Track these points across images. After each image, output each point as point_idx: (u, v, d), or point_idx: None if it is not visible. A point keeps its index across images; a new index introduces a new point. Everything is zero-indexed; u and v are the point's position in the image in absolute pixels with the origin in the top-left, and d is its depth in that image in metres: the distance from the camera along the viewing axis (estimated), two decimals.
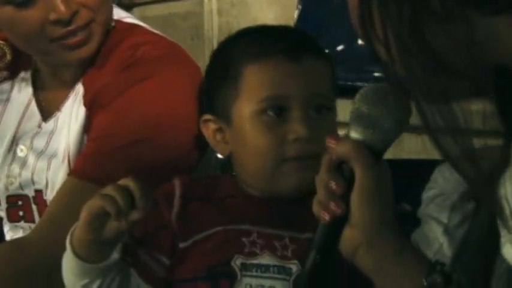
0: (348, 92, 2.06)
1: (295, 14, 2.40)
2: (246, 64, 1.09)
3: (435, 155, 0.80)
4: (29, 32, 1.15)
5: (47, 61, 1.23)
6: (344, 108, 1.94)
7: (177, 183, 1.09)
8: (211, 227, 1.06)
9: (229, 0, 3.19)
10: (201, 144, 1.16)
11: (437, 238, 1.05)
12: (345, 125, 2.02)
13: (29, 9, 1.14)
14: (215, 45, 3.86)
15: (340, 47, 2.24)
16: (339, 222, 0.81)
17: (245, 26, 3.65)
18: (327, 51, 2.45)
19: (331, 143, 0.83)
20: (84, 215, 0.99)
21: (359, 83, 2.02)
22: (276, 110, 1.06)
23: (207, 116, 1.12)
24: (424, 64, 0.66)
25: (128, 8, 4.12)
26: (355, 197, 0.80)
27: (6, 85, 1.30)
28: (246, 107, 1.08)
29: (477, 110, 0.74)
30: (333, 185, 0.81)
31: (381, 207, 0.82)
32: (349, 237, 0.81)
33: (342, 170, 0.82)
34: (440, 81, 0.67)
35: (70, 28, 1.15)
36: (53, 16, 1.14)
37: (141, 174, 1.12)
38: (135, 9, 3.80)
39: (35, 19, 1.14)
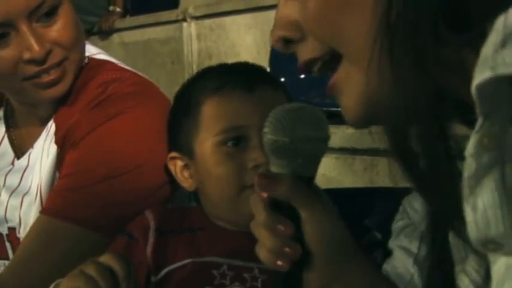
0: (336, 118, 2.09)
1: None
2: (204, 98, 1.14)
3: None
4: (1, 71, 1.16)
5: (19, 99, 1.24)
6: (334, 134, 1.98)
7: (150, 216, 1.12)
8: (182, 259, 1.08)
9: (207, 25, 3.23)
10: (173, 179, 1.18)
11: (407, 269, 1.07)
12: (334, 150, 2.02)
13: (3, 49, 1.15)
14: (195, 70, 3.90)
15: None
16: (298, 267, 0.75)
17: (224, 50, 3.69)
18: (302, 76, 2.49)
19: (262, 182, 0.76)
20: None
21: (332, 109, 2.05)
22: (234, 141, 1.10)
23: (173, 154, 1.17)
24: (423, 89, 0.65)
25: (107, 34, 4.15)
26: (311, 235, 0.75)
27: None
28: (206, 139, 1.12)
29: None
30: (281, 228, 0.74)
31: (339, 237, 0.77)
32: (314, 280, 0.76)
33: (279, 208, 0.75)
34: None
35: (44, 67, 1.16)
36: (26, 55, 1.14)
37: (111, 210, 1.14)
38: (115, 35, 3.83)
39: (9, 58, 1.14)
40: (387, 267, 1.12)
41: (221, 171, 1.10)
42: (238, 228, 1.10)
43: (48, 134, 1.22)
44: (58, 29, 1.16)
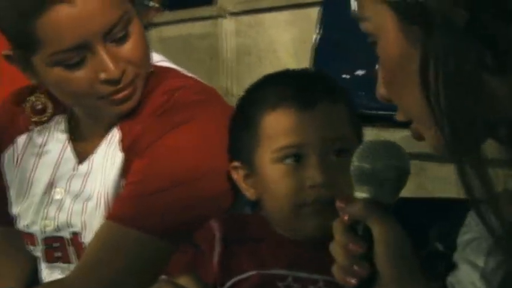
0: (372, 121, 2.09)
1: (314, 37, 2.42)
2: (263, 113, 1.13)
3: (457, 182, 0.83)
4: (77, 91, 1.18)
5: (89, 113, 1.26)
6: (367, 136, 1.96)
7: (215, 225, 1.13)
8: (247, 270, 1.09)
9: (247, 21, 3.22)
10: (235, 186, 1.19)
11: (474, 283, 1.06)
12: None
13: (79, 70, 1.16)
14: (233, 66, 3.87)
15: (360, 72, 2.26)
16: (365, 285, 0.82)
17: (262, 47, 3.66)
18: (347, 76, 2.48)
19: (341, 205, 0.85)
20: None
21: (382, 112, 2.04)
22: (293, 158, 1.10)
23: (235, 163, 1.17)
24: (475, 122, 0.68)
25: (145, 28, 4.14)
26: (381, 255, 0.82)
27: (42, 135, 1.32)
28: (265, 155, 1.12)
29: None
30: (352, 246, 0.82)
31: (408, 260, 0.83)
32: None
33: (355, 230, 0.84)
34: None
35: (119, 87, 1.18)
36: (103, 76, 1.16)
37: (177, 218, 1.16)
38: (153, 30, 3.83)
39: (85, 79, 1.17)
40: (452, 280, 1.11)
41: (279, 188, 1.10)
42: (302, 238, 1.11)
43: (111, 141, 1.23)
44: (130, 48, 1.18)
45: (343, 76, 2.29)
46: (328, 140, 1.10)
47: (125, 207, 1.17)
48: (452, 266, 1.15)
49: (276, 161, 1.11)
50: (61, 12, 1.13)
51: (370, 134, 1.94)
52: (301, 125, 1.10)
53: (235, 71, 3.29)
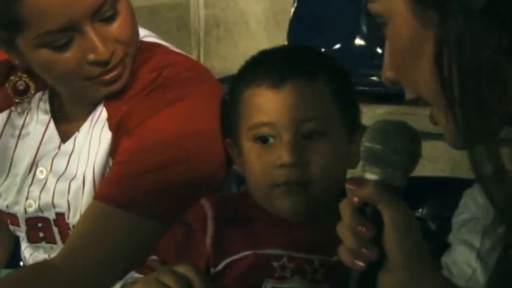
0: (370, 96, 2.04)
1: (291, 9, 2.39)
2: (242, 91, 1.12)
3: (450, 160, 0.84)
4: (65, 73, 1.14)
5: (75, 93, 1.22)
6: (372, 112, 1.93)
7: (206, 204, 1.11)
8: (242, 251, 1.07)
9: None
10: (226, 163, 1.18)
11: (470, 264, 1.06)
12: None
13: (66, 51, 1.12)
14: (201, 37, 3.81)
15: (336, 46, 2.24)
16: (373, 268, 0.81)
17: (232, 19, 3.62)
18: (323, 50, 2.45)
19: (350, 187, 0.83)
20: None
21: (360, 87, 2.02)
22: (263, 138, 1.09)
23: (229, 140, 1.16)
24: (492, 109, 0.68)
25: None
26: (391, 238, 0.80)
27: (22, 115, 1.28)
28: (243, 133, 1.11)
29: None
30: (362, 229, 0.80)
31: (418, 245, 0.82)
32: (389, 282, 0.81)
33: (364, 213, 0.82)
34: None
35: (108, 67, 1.14)
36: (91, 57, 1.13)
37: (167, 198, 1.14)
38: None
39: (72, 60, 1.13)
40: (447, 260, 1.11)
41: (253, 167, 1.10)
42: (296, 218, 1.09)
43: (97, 120, 1.20)
44: (119, 26, 1.14)
45: (322, 51, 2.28)
46: (299, 120, 1.08)
47: (113, 187, 1.14)
48: (444, 246, 1.15)
49: (250, 139, 1.10)
50: None
51: None
52: (271, 103, 1.08)
53: (204, 42, 3.25)
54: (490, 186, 0.75)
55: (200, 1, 3.24)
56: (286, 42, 2.32)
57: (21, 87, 1.25)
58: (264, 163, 1.08)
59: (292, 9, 2.36)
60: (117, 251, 1.12)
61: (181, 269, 0.94)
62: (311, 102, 1.09)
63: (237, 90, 1.13)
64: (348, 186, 0.84)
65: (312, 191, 1.07)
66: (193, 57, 3.27)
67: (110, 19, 1.14)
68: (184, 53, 1.26)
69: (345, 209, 0.82)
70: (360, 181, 0.83)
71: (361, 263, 0.80)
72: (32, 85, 1.25)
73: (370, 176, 0.82)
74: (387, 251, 0.80)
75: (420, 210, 1.25)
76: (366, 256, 0.80)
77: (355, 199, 0.82)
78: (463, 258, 1.09)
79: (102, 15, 1.13)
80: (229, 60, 3.29)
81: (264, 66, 1.11)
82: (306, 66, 1.12)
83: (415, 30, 0.74)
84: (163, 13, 3.42)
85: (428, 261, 0.83)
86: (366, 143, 0.83)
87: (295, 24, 2.32)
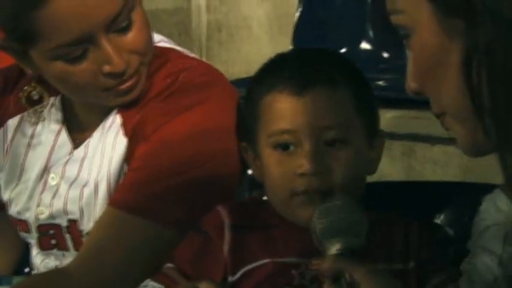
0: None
1: (297, 13, 2.38)
2: (261, 96, 1.11)
3: (461, 165, 0.84)
4: (80, 84, 1.13)
5: (89, 102, 1.21)
6: None
7: (223, 211, 1.10)
8: (260, 259, 1.07)
9: None
10: (242, 170, 1.18)
11: (491, 271, 1.05)
12: None
13: (81, 63, 1.12)
14: (203, 42, 3.80)
15: (342, 50, 2.23)
16: None
17: (234, 23, 3.61)
18: None
19: (316, 266, 0.97)
20: None
21: None
22: (284, 145, 1.08)
23: (244, 144, 1.15)
24: None
25: None
26: None
27: (34, 123, 1.27)
28: (262, 139, 1.10)
29: None
30: None
31: None
32: None
33: (340, 280, 0.92)
34: None
35: (123, 78, 1.13)
36: (107, 69, 1.12)
37: (184, 205, 1.13)
38: None
39: (87, 72, 1.12)
40: (467, 267, 1.10)
41: (273, 174, 1.09)
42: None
43: (110, 126, 1.19)
44: (134, 36, 1.13)
45: None
46: (320, 128, 1.07)
47: (129, 193, 1.13)
48: (463, 252, 1.14)
49: (270, 146, 1.09)
50: (61, 4, 1.08)
51: None
52: (293, 110, 1.07)
53: (206, 47, 3.24)
54: None
55: (202, 5, 3.23)
56: (290, 47, 2.32)
57: (35, 97, 1.25)
58: (284, 171, 1.07)
59: (297, 13, 2.35)
60: (132, 258, 1.11)
61: (204, 286, 0.95)
62: (333, 110, 1.09)
63: (255, 95, 1.12)
64: (313, 266, 0.98)
65: (329, 200, 1.05)
66: None
67: (124, 29, 1.12)
68: (197, 56, 1.26)
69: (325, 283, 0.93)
70: (317, 262, 0.96)
71: None
72: (46, 95, 1.24)
73: (332, 251, 0.95)
74: None
75: (437, 215, 1.23)
76: None
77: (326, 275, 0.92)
78: (484, 265, 1.07)
79: (117, 26, 1.12)
80: (231, 65, 3.29)
81: (286, 72, 1.10)
82: (328, 73, 1.11)
83: (441, 41, 0.74)
84: (164, 18, 3.41)
85: None
86: (316, 224, 0.97)
87: (300, 28, 2.31)
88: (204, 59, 3.26)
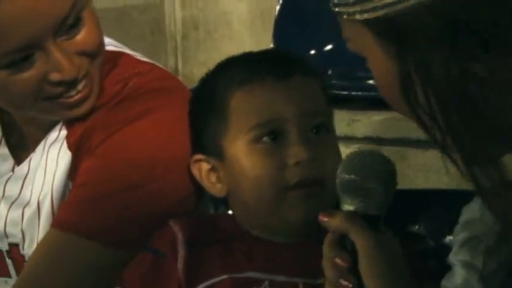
0: (343, 102, 2.10)
1: (277, 7, 2.41)
2: (231, 92, 1.15)
3: (441, 170, 0.88)
4: (23, 95, 1.14)
5: (32, 117, 1.23)
6: (342, 121, 1.97)
7: (175, 227, 1.13)
8: (218, 275, 1.10)
9: None
10: (200, 186, 1.19)
11: (471, 286, 1.09)
12: (357, 139, 2.04)
13: (26, 71, 1.12)
14: (178, 42, 3.84)
15: (328, 47, 2.27)
16: None
17: (212, 20, 3.65)
18: (313, 52, 2.48)
19: (323, 219, 0.94)
20: None
21: (354, 93, 2.06)
22: (271, 135, 1.11)
23: (198, 156, 1.17)
24: (473, 130, 0.72)
25: None
26: (363, 269, 0.90)
27: None
28: (237, 138, 1.13)
29: None
30: (338, 260, 0.91)
31: (392, 274, 0.92)
32: None
33: (344, 244, 0.92)
34: (488, 144, 0.74)
35: (74, 87, 1.15)
36: (56, 77, 1.13)
37: (131, 224, 1.15)
38: None
39: (32, 80, 1.13)
40: (447, 284, 1.13)
41: (259, 171, 1.11)
42: (279, 238, 1.12)
43: (55, 139, 1.21)
44: (84, 37, 1.14)
45: (311, 52, 2.30)
46: (307, 113, 1.12)
47: (72, 212, 1.16)
48: (444, 264, 1.18)
49: (251, 142, 1.12)
50: (4, 9, 1.08)
51: (344, 118, 1.97)
52: (277, 98, 1.12)
53: (181, 47, 3.28)
54: (492, 201, 0.80)
55: (176, 1, 3.27)
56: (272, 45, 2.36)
57: None
58: (272, 164, 1.10)
59: (278, 7, 2.38)
60: (76, 283, 1.14)
61: None
62: (314, 96, 1.15)
63: (221, 94, 1.15)
64: (320, 218, 0.94)
65: (326, 194, 1.10)
66: (171, 63, 3.31)
67: (74, 31, 1.14)
68: (151, 61, 1.28)
69: (325, 242, 0.93)
70: (333, 213, 0.94)
71: None
72: None
73: (347, 207, 0.94)
74: (365, 282, 0.90)
75: (418, 225, 1.27)
76: (344, 286, 0.90)
77: (330, 232, 0.93)
78: (464, 280, 1.11)
79: (66, 29, 1.13)
80: (210, 66, 3.33)
81: (261, 62, 1.16)
82: (301, 63, 1.19)
83: (385, 64, 0.81)
84: (134, 15, 3.45)
85: (408, 286, 0.93)
86: (339, 174, 0.94)
87: (281, 24, 2.34)
88: (179, 61, 3.32)
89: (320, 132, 1.13)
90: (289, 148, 1.10)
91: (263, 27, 2.91)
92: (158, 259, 1.12)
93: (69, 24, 1.13)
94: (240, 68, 1.17)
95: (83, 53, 1.15)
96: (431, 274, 1.16)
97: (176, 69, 3.24)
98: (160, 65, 1.29)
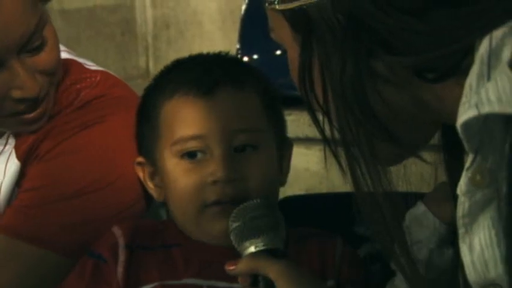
0: (304, 104, 2.13)
1: (243, 6, 2.43)
2: (161, 103, 1.18)
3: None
4: None
5: None
6: (302, 122, 1.99)
7: (118, 232, 1.17)
8: (150, 281, 1.13)
9: None
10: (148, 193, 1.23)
11: None
12: (298, 140, 2.07)
13: None
14: (149, 42, 3.85)
15: None
16: None
17: (183, 19, 3.68)
18: (278, 52, 2.51)
19: (230, 268, 1.02)
20: None
21: None
22: (191, 154, 1.15)
23: (140, 159, 1.22)
24: (362, 125, 0.75)
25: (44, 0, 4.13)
26: None
27: None
28: (165, 149, 1.17)
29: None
30: None
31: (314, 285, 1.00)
32: None
33: (257, 283, 1.00)
34: (375, 143, 0.77)
35: (35, 105, 1.17)
36: (18, 94, 1.14)
37: (76, 230, 1.19)
38: (54, 1, 3.80)
39: None
40: None
41: (180, 187, 1.15)
42: (216, 242, 1.15)
43: (2, 149, 1.24)
44: (46, 56, 1.17)
45: (277, 52, 2.32)
46: (231, 131, 1.14)
47: (16, 217, 1.19)
48: (389, 271, 1.20)
49: (175, 155, 1.15)
50: None
51: (305, 119, 1.99)
52: (200, 113, 1.14)
53: (153, 47, 3.30)
54: (367, 206, 0.83)
55: (146, 0, 3.30)
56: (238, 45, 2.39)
57: None
58: (192, 181, 1.13)
59: (243, 6, 2.40)
60: (17, 285, 1.17)
61: None
62: (243, 113, 1.17)
63: (154, 103, 1.19)
64: (227, 268, 1.02)
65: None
66: (142, 64, 3.34)
67: (37, 49, 1.16)
68: (100, 68, 1.31)
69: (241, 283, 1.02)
70: (237, 260, 1.02)
71: None
72: None
73: (246, 252, 1.03)
74: None
75: (365, 228, 1.30)
76: None
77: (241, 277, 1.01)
78: (406, 286, 1.14)
79: (30, 46, 1.14)
80: None
81: (190, 75, 1.18)
82: (235, 74, 1.19)
83: (295, 54, 0.84)
84: (104, 15, 3.48)
85: None
86: (230, 226, 1.05)
87: (247, 24, 2.37)
88: (150, 61, 3.34)
89: (244, 151, 1.16)
90: (209, 166, 1.13)
91: (234, 26, 2.94)
92: (99, 264, 1.16)
93: (33, 42, 1.15)
94: (171, 79, 1.20)
95: (44, 72, 1.18)
96: (376, 280, 1.20)
97: (147, 69, 3.27)
98: (110, 72, 1.32)
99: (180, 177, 1.15)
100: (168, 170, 1.16)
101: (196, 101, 1.15)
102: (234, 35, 2.89)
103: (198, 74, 1.18)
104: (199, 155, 1.14)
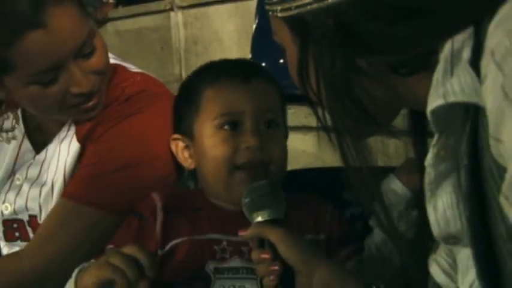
0: (301, 99, 2.11)
1: (253, 25, 2.42)
2: (204, 88, 1.17)
3: (377, 152, 0.88)
4: (51, 104, 1.17)
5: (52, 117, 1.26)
6: (300, 114, 1.97)
7: (156, 197, 1.16)
8: (181, 236, 1.12)
9: (193, 14, 3.23)
10: (178, 167, 1.23)
11: (387, 245, 1.10)
12: (296, 128, 2.05)
13: (53, 86, 1.15)
14: (182, 54, 3.88)
15: None
16: (284, 277, 0.96)
17: (208, 37, 3.68)
18: (281, 61, 2.49)
19: (242, 233, 1.01)
20: (92, 280, 1.00)
21: None
22: (231, 125, 1.14)
23: (176, 136, 1.21)
24: (349, 112, 0.73)
25: (102, 23, 4.13)
26: (285, 253, 0.96)
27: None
28: (205, 123, 1.16)
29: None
30: (262, 255, 0.98)
31: (306, 247, 0.98)
32: (300, 281, 0.95)
33: (263, 244, 1.00)
34: (360, 126, 0.74)
35: (90, 98, 1.19)
36: (75, 90, 1.16)
37: (126, 195, 1.18)
38: (109, 24, 3.81)
39: (58, 93, 1.16)
40: (369, 242, 1.14)
41: (217, 151, 1.13)
42: (234, 207, 1.14)
43: (66, 133, 1.25)
44: (97, 60, 1.18)
45: (281, 61, 2.30)
46: (261, 110, 1.14)
47: (78, 186, 1.19)
48: (368, 228, 1.18)
49: (215, 127, 1.14)
50: (35, 38, 1.09)
51: (303, 111, 1.97)
52: (238, 95, 1.14)
53: (184, 59, 3.30)
54: (354, 178, 0.79)
55: (179, 22, 3.29)
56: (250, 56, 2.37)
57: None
58: (228, 146, 1.12)
59: (254, 25, 2.38)
60: (78, 241, 1.17)
61: (129, 250, 0.98)
62: (270, 97, 1.17)
63: (196, 88, 1.18)
64: (240, 233, 1.01)
65: (270, 177, 1.11)
66: (176, 71, 3.33)
67: (89, 54, 1.17)
68: (141, 70, 1.32)
69: (251, 248, 1.01)
70: (247, 227, 1.01)
71: (271, 277, 0.96)
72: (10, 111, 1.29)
73: (259, 218, 1.03)
74: (287, 260, 0.96)
75: (350, 194, 1.28)
76: (273, 271, 0.96)
77: (251, 240, 1.00)
78: (382, 240, 1.12)
79: (83, 52, 1.16)
80: None
81: (230, 68, 1.19)
82: (261, 70, 1.22)
83: (294, 54, 0.80)
84: (148, 34, 3.47)
85: (323, 255, 0.98)
86: (243, 201, 1.04)
87: (257, 40, 2.35)
88: (183, 69, 3.33)
89: (270, 126, 1.15)
90: (243, 135, 1.12)
91: (248, 42, 2.93)
92: (142, 222, 1.14)
93: (85, 49, 1.17)
94: (212, 71, 1.20)
95: (95, 72, 1.19)
96: (359, 235, 1.18)
97: (180, 75, 3.26)
98: (149, 74, 1.32)
99: (218, 144, 1.13)
100: (207, 140, 1.15)
101: (237, 85, 1.15)
102: (247, 48, 2.88)
103: (235, 67, 1.19)
104: (237, 128, 1.13)
